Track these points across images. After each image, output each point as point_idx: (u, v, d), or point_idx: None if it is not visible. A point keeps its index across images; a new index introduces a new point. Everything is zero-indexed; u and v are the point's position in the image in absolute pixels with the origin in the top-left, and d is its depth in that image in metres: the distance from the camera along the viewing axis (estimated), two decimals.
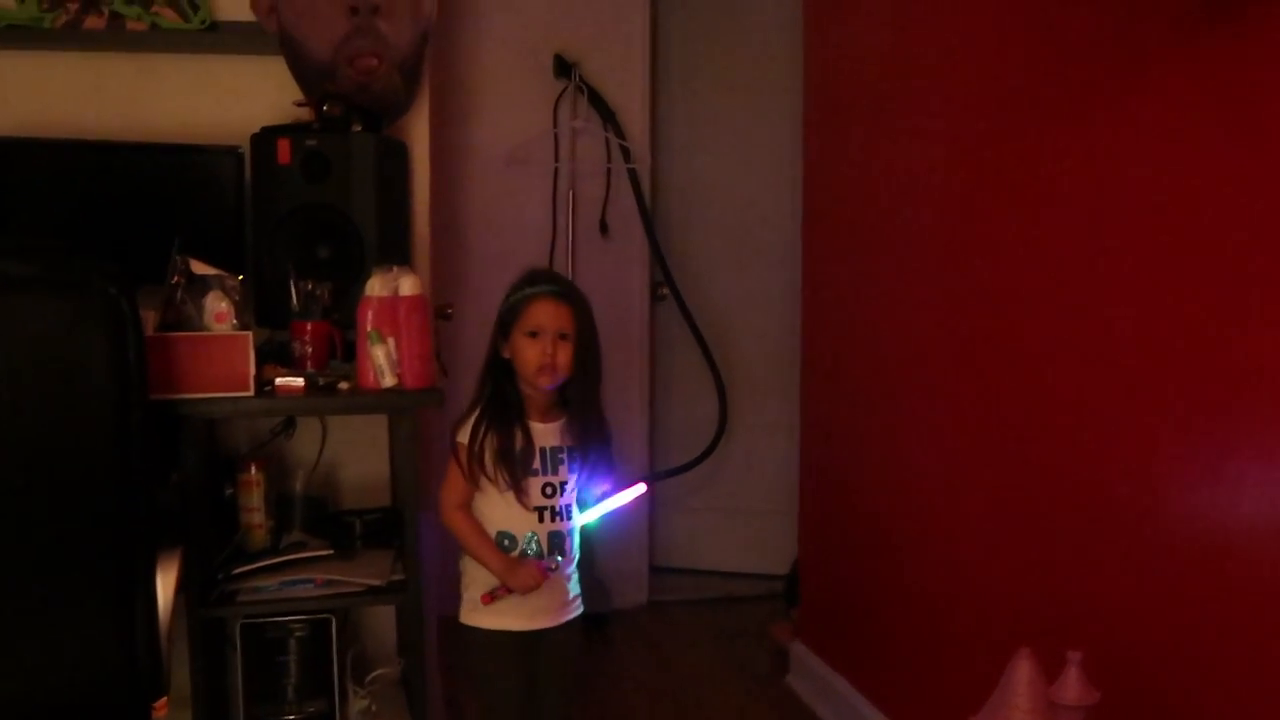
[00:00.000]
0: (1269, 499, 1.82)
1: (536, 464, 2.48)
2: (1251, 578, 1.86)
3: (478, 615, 2.51)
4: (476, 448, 2.45)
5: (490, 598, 2.47)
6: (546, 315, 2.44)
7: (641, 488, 2.63)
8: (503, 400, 2.48)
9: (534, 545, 2.48)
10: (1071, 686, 1.79)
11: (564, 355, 2.44)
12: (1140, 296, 2.11)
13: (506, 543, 2.47)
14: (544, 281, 2.50)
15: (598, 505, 2.58)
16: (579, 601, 2.60)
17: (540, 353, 2.42)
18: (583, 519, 2.56)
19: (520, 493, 2.45)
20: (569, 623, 2.57)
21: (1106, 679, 1.85)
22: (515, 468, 2.44)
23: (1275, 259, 1.80)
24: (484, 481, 2.46)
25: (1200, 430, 1.98)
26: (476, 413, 2.49)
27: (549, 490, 2.49)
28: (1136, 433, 2.13)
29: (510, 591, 2.45)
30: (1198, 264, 1.97)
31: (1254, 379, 1.85)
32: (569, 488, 2.52)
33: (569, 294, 2.49)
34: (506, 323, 2.48)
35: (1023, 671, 1.80)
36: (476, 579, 2.51)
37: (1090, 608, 2.27)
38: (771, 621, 4.16)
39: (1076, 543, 2.31)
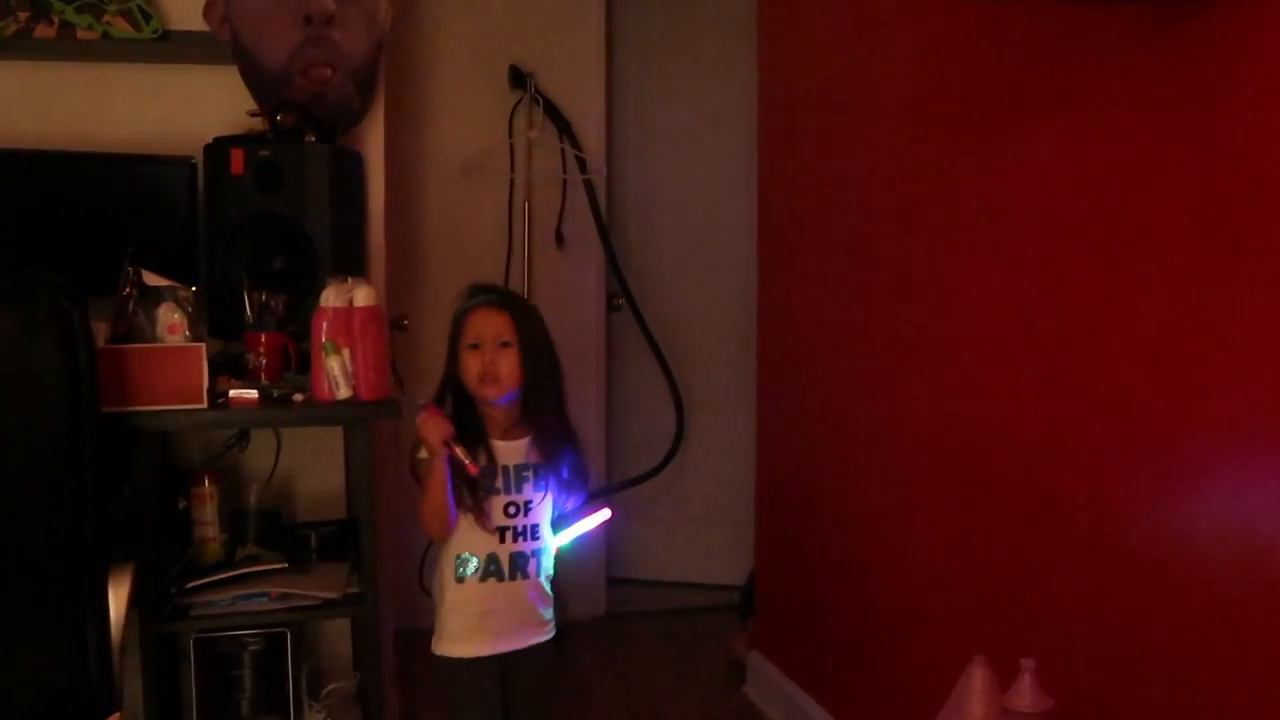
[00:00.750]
0: (1220, 509, 1.85)
1: (499, 483, 2.43)
2: (1203, 586, 1.88)
3: (444, 644, 2.46)
4: None
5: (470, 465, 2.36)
6: (483, 324, 2.42)
7: (606, 513, 2.57)
8: (460, 422, 2.43)
9: (493, 566, 2.43)
10: (1025, 694, 1.80)
11: (507, 364, 2.40)
12: (1093, 304, 2.13)
13: (460, 567, 2.43)
14: (481, 292, 2.48)
15: (566, 529, 2.52)
16: (551, 625, 2.54)
17: (480, 362, 2.39)
18: (555, 541, 2.51)
19: (480, 515, 2.41)
20: (539, 645, 2.52)
21: (1060, 687, 1.87)
22: (477, 492, 2.40)
23: (1226, 267, 1.82)
24: None
25: (1154, 440, 1.99)
26: None
27: (512, 510, 2.44)
28: (1091, 443, 2.15)
29: (458, 445, 2.35)
30: (1150, 272, 1.99)
31: (1207, 389, 1.87)
32: (534, 506, 2.46)
33: (507, 302, 2.47)
34: (453, 340, 2.46)
35: (977, 679, 1.81)
36: (445, 602, 2.46)
37: (1044, 616, 2.28)
38: (728, 632, 4.16)
39: (1031, 552, 2.33)
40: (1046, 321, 2.27)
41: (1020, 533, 2.36)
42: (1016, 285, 2.36)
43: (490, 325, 2.41)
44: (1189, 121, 1.88)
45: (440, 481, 2.36)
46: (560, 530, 2.52)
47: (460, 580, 2.43)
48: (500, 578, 2.44)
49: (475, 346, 2.40)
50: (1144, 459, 2.01)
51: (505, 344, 2.41)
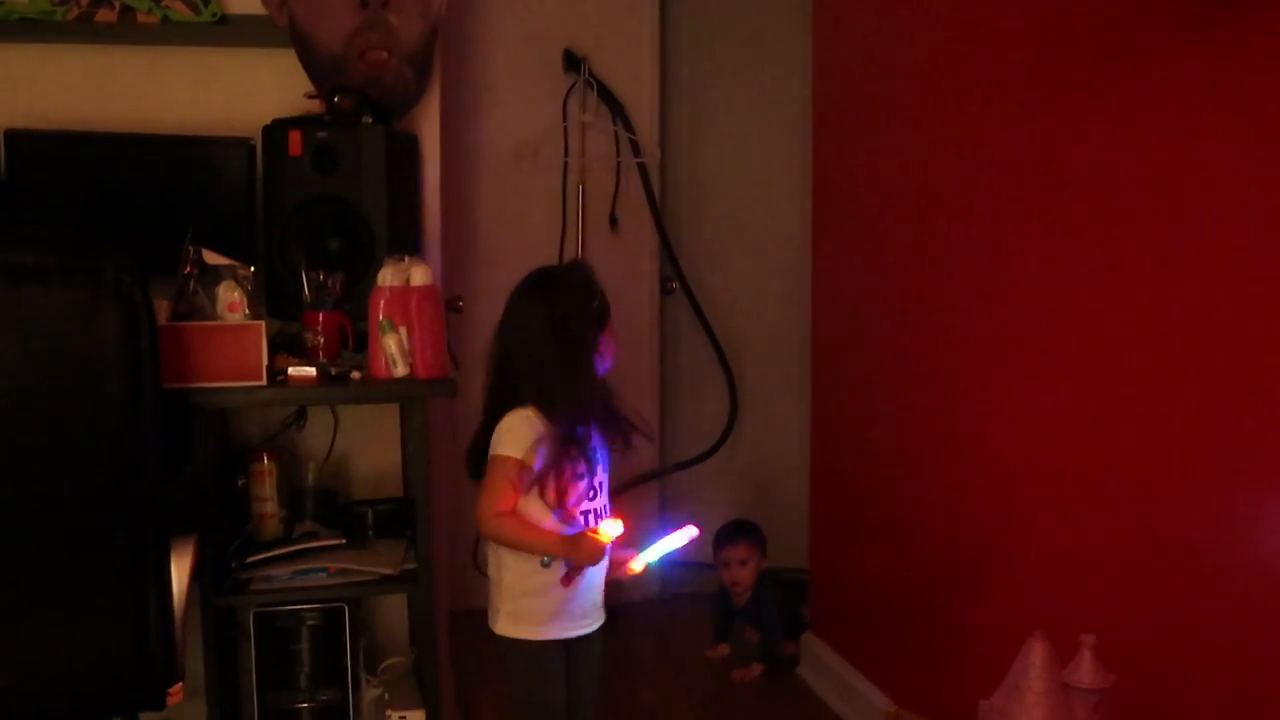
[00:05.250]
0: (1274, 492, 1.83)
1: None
2: (1261, 570, 1.86)
3: (522, 627, 2.40)
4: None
5: (569, 579, 2.37)
6: None
7: (693, 531, 2.47)
8: None
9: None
10: (1086, 669, 1.79)
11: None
12: (1151, 293, 2.11)
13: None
14: None
15: (655, 546, 2.44)
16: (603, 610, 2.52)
17: None
18: (643, 558, 2.44)
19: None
20: (598, 630, 2.49)
21: (1121, 664, 1.85)
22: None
23: None
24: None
25: (1211, 426, 1.98)
26: None
27: (591, 494, 2.40)
28: (1150, 424, 2.13)
29: (582, 568, 2.36)
30: (1213, 263, 1.96)
31: (1266, 379, 1.85)
32: (604, 486, 2.43)
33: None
34: None
35: (1036, 654, 1.79)
36: (521, 585, 2.40)
37: (1102, 592, 2.27)
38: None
39: (1088, 529, 2.31)
40: (1105, 309, 2.24)
41: (1078, 511, 2.35)
42: (1075, 272, 2.34)
43: None
44: (1257, 105, 1.86)
45: (549, 546, 2.35)
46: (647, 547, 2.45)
47: (546, 565, 2.36)
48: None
49: None
50: (1202, 442, 1.99)
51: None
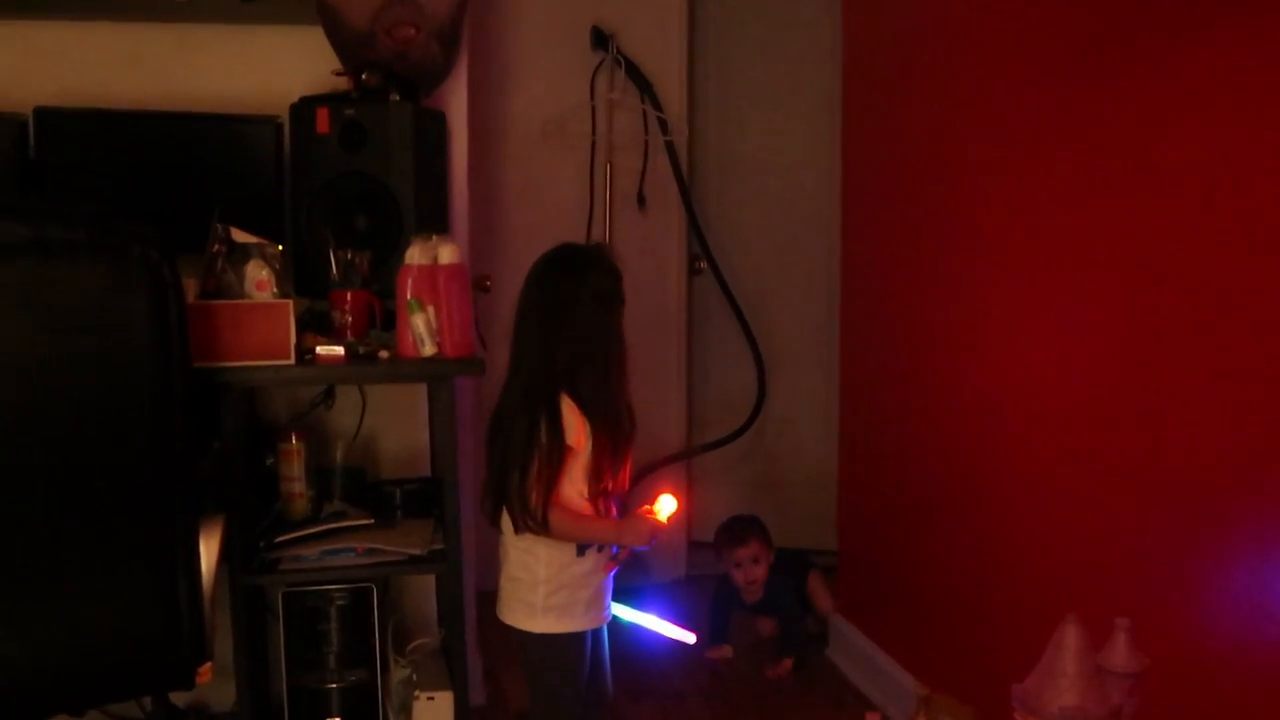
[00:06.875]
0: None
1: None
2: None
3: (565, 621, 2.38)
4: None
5: (615, 563, 2.41)
6: None
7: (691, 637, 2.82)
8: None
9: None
10: (1120, 653, 1.76)
11: None
12: (1190, 267, 2.08)
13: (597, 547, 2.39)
14: None
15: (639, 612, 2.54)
16: None
17: None
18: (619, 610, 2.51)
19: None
20: None
21: (1156, 647, 1.83)
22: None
23: None
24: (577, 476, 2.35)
25: (1248, 406, 1.95)
26: None
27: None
28: (1186, 404, 2.10)
29: (630, 551, 2.39)
30: (1247, 239, 1.93)
31: None
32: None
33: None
34: None
35: (1070, 637, 1.77)
36: (559, 579, 2.38)
37: (1137, 575, 2.24)
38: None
39: (1124, 511, 2.29)
40: (1142, 284, 2.21)
41: (1112, 492, 2.32)
42: (1111, 245, 2.31)
43: None
44: None
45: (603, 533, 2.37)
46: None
47: (582, 554, 2.37)
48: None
49: None
50: (1238, 421, 1.96)
51: None
